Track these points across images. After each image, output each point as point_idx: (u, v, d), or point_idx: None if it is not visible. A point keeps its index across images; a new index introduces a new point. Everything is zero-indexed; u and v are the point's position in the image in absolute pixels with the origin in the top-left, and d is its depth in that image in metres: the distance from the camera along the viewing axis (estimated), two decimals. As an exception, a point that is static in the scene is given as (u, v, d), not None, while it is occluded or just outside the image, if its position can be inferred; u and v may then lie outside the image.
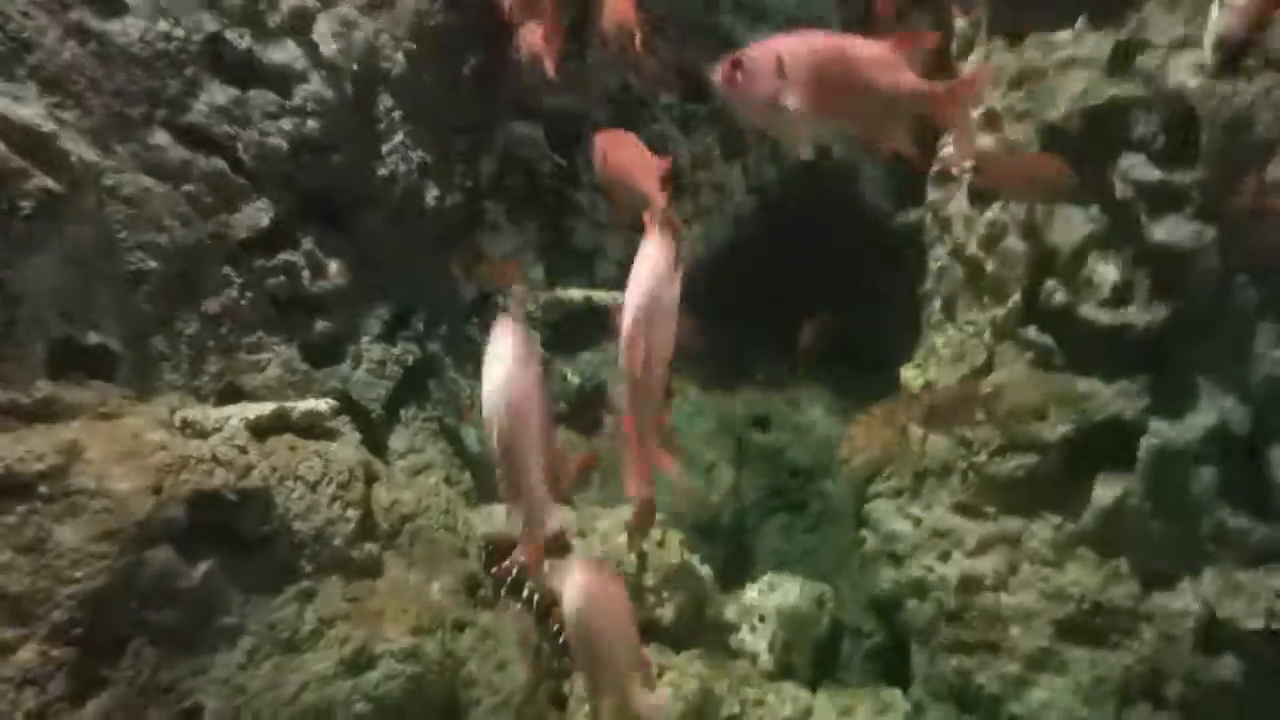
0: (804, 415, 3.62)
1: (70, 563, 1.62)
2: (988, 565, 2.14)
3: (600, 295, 3.73)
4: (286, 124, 2.46)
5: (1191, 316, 1.81)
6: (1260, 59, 1.61)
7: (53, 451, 1.69)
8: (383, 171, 2.74)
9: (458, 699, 2.23)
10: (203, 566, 1.80)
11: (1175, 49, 1.75)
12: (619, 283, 3.89)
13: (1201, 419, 1.81)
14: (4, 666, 1.53)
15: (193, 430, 1.97)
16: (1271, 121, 1.64)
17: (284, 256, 2.43)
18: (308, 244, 2.49)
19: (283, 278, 2.43)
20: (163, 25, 2.22)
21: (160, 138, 2.21)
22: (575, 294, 3.70)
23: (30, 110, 1.95)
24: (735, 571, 3.14)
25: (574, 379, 3.57)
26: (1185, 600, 1.85)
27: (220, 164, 2.31)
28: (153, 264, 2.13)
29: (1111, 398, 1.89)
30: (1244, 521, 1.79)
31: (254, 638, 1.87)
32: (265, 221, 2.37)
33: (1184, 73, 1.71)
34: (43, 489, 1.66)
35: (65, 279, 1.95)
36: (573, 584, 1.43)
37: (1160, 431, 1.83)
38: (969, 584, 2.18)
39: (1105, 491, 1.93)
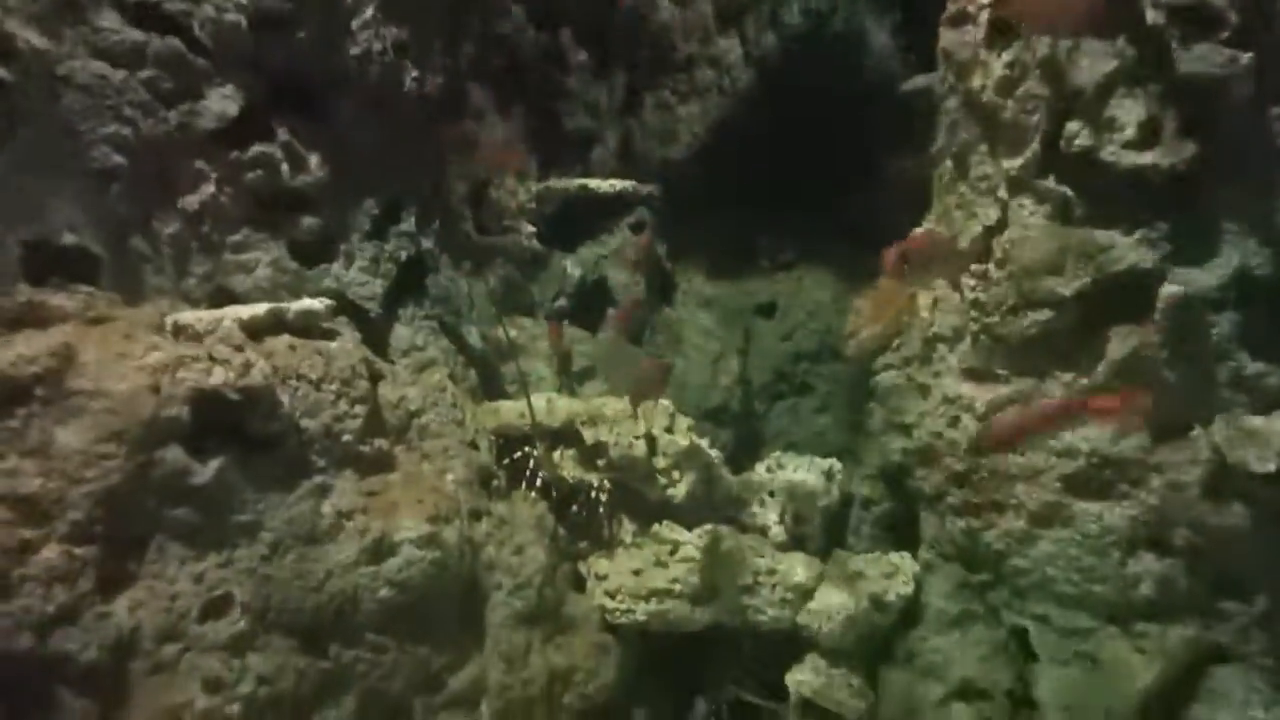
0: (810, 298, 3.57)
1: (79, 464, 1.63)
2: (998, 428, 2.15)
3: (596, 184, 3.59)
4: None
5: (1219, 154, 1.70)
6: None
7: (46, 354, 1.66)
8: (355, 50, 2.55)
9: (479, 583, 2.31)
10: (214, 464, 1.81)
11: None
12: (615, 170, 3.76)
13: (1223, 264, 1.74)
14: (29, 565, 1.56)
15: (185, 333, 1.93)
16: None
17: (259, 149, 2.29)
18: (283, 134, 2.35)
19: (261, 172, 2.31)
20: (89, -113, 2.00)
21: (109, 18, 2.04)
22: (570, 183, 3.56)
23: (-36, -9, 1.79)
24: (745, 455, 3.19)
25: (574, 272, 3.50)
26: (1195, 449, 1.85)
27: (176, 44, 2.14)
28: (120, 159, 2.02)
29: (1130, 247, 1.81)
30: (1261, 366, 1.76)
31: (274, 533, 1.91)
32: (234, 110, 2.22)
33: None
34: (40, 392, 1.64)
35: (31, 176, 1.85)
36: None
37: (1179, 279, 1.78)
38: (979, 446, 2.20)
39: (1120, 344, 1.90)
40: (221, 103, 2.20)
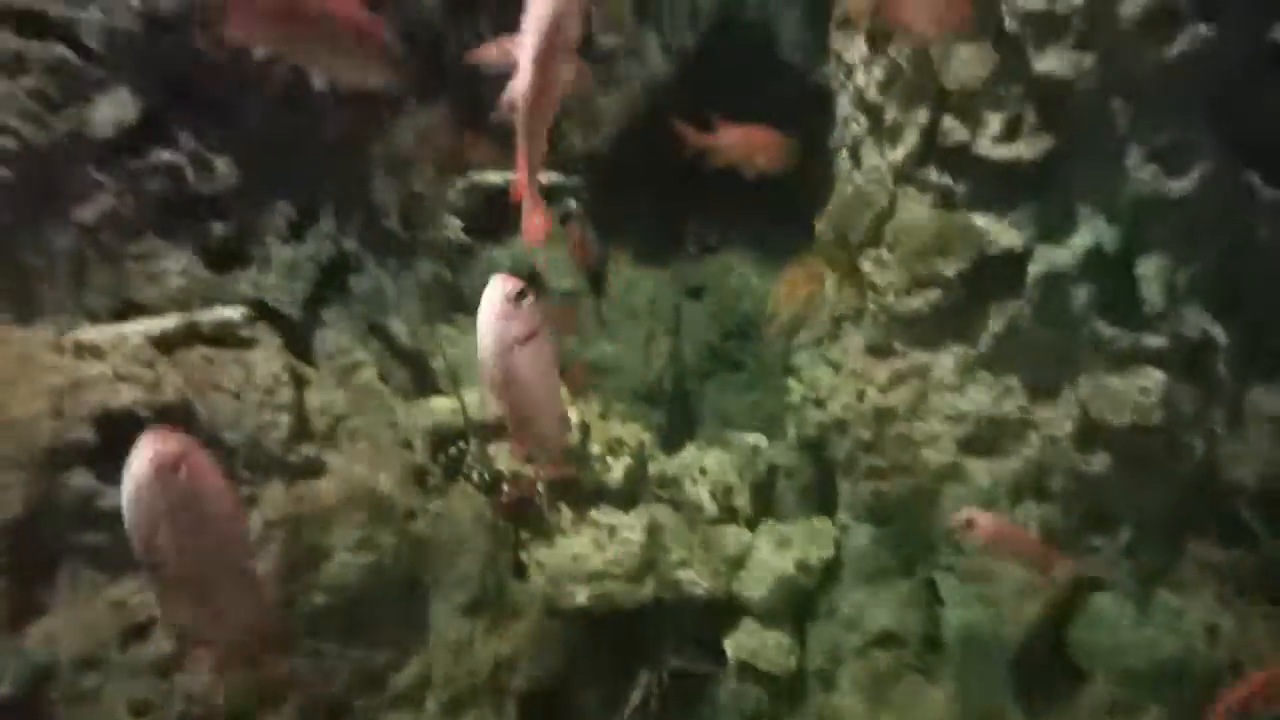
0: (735, 278, 3.61)
1: (-22, 495, 1.52)
2: (899, 398, 2.26)
3: (521, 177, 3.52)
4: (135, 2, 2.11)
5: (1072, 143, 1.83)
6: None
7: (-68, 385, 1.55)
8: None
9: (419, 579, 2.28)
10: (127, 485, 1.72)
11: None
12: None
13: (1080, 241, 1.89)
14: (-70, 602, 1.46)
15: (89, 351, 1.81)
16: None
17: (162, 155, 2.16)
18: (187, 139, 2.21)
19: (165, 179, 2.17)
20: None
21: (-17, 26, 1.88)
22: (494, 178, 3.48)
23: None
24: (678, 433, 3.23)
25: (503, 264, 3.43)
26: (1065, 407, 2.01)
27: (62, 51, 1.99)
28: (5, 172, 1.87)
29: (1003, 230, 1.94)
30: (1114, 331, 1.92)
31: (199, 548, 1.83)
32: (131, 116, 2.08)
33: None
34: (-72, 424, 1.52)
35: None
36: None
37: (1044, 257, 1.92)
38: (883, 416, 2.30)
39: (999, 317, 2.03)
40: (116, 109, 2.06)
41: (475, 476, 2.56)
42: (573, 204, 3.58)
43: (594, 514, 2.66)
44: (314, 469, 2.16)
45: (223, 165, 2.34)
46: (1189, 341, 1.88)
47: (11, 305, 1.86)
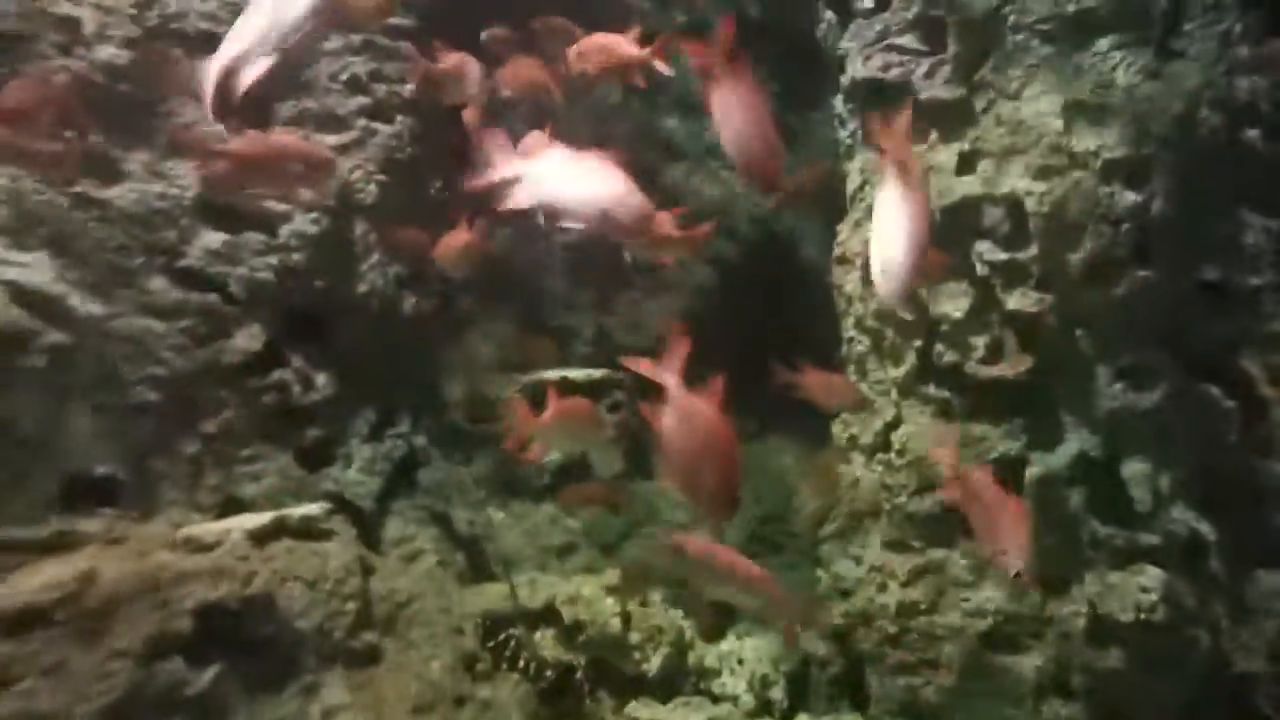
0: (774, 464, 3.72)
1: (87, 680, 1.68)
2: (919, 592, 2.28)
3: (575, 373, 3.85)
4: (273, 259, 2.63)
5: (1047, 366, 2.04)
6: (1066, 157, 1.90)
7: (70, 579, 1.79)
8: (362, 288, 2.92)
9: (461, 772, 2.26)
10: (210, 672, 1.86)
11: (1005, 156, 2.04)
12: (591, 361, 4.05)
13: (1067, 449, 2.04)
14: (29, 788, 1.58)
15: (195, 545, 2.06)
16: (1080, 209, 1.93)
17: (276, 375, 2.55)
18: (297, 361, 2.62)
19: (275, 394, 2.56)
20: (158, 187, 2.43)
21: (157, 283, 2.38)
22: (550, 375, 3.82)
23: (42, 276, 2.12)
24: (718, 615, 3.19)
25: (556, 453, 3.65)
26: (1076, 603, 2.03)
27: (213, 299, 2.47)
28: (153, 396, 2.26)
29: (999, 438, 2.10)
30: (1110, 530, 1.98)
31: (261, 735, 1.92)
32: (257, 345, 2.51)
33: (1013, 174, 2.00)
34: (59, 615, 1.74)
35: (74, 419, 2.08)
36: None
37: (1038, 462, 2.05)
38: (905, 610, 2.31)
39: (1005, 517, 2.08)
40: (247, 341, 2.50)
41: (522, 663, 2.59)
42: (620, 395, 3.85)
43: (633, 705, 2.61)
44: (373, 655, 2.26)
45: (322, 379, 2.73)
46: (1180, 539, 1.93)
47: (137, 503, 2.15)
